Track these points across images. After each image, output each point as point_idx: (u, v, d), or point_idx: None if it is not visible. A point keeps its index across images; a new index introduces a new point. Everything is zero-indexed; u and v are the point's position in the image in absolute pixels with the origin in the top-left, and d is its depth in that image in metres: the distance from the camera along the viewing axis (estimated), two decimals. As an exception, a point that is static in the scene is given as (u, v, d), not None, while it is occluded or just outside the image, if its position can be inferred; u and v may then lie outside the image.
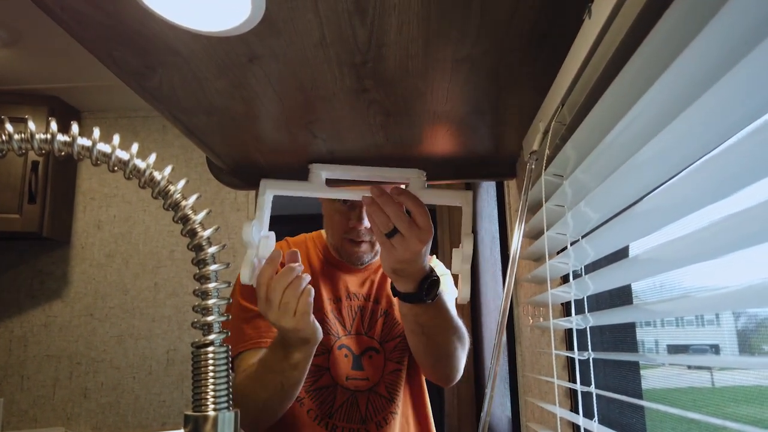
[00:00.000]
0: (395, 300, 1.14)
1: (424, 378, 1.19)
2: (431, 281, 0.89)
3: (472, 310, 2.14)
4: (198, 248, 0.48)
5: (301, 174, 0.97)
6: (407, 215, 0.82)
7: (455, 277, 0.89)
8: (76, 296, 2.41)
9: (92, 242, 2.46)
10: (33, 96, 2.28)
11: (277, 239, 1.28)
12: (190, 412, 0.46)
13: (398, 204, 0.82)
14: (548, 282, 0.72)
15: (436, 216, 2.42)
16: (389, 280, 1.18)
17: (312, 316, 0.86)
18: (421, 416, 1.17)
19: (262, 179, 0.82)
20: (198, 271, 0.48)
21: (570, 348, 0.84)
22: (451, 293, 1.16)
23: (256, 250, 0.79)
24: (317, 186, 0.85)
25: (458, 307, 1.16)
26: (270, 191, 0.83)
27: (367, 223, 1.07)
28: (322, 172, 0.84)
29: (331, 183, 0.91)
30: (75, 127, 0.44)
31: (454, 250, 0.81)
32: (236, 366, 1.03)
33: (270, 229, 0.86)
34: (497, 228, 1.87)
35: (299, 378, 0.93)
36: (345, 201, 1.08)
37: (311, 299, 0.83)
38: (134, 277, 2.42)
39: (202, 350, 0.47)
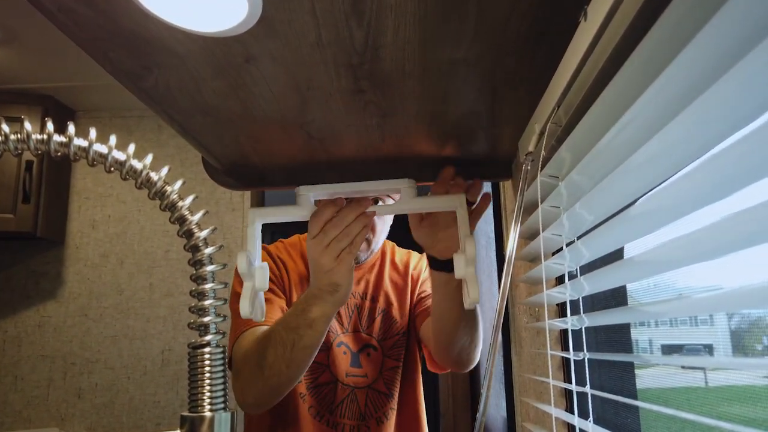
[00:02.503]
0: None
1: (419, 376, 1.20)
2: None
3: (468, 310, 2.14)
4: (195, 249, 0.48)
5: (297, 176, 0.97)
6: None
7: (459, 282, 0.88)
8: (71, 296, 2.40)
9: (87, 242, 2.45)
10: (27, 95, 2.27)
11: (273, 239, 1.28)
12: (186, 413, 0.46)
13: None
14: (544, 283, 0.72)
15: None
16: (386, 279, 1.19)
17: (352, 266, 0.85)
18: (416, 413, 1.17)
19: (251, 208, 0.81)
20: (194, 272, 0.48)
21: (565, 348, 0.84)
22: None
23: (253, 282, 0.77)
24: (307, 208, 0.84)
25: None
26: (259, 220, 0.81)
27: None
28: (310, 194, 0.83)
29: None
30: (71, 128, 0.44)
31: (455, 255, 0.80)
32: (238, 345, 1.00)
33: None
34: (493, 229, 1.87)
35: (312, 342, 0.89)
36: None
37: (362, 243, 0.83)
38: (129, 277, 2.41)
39: (199, 351, 0.47)
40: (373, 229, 1.11)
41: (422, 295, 1.19)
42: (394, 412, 1.14)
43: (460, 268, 0.78)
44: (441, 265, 0.87)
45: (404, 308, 1.18)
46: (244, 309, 0.76)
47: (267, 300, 1.05)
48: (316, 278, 0.85)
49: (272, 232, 3.49)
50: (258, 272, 0.77)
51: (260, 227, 0.81)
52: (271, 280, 1.10)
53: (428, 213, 0.87)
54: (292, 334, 0.88)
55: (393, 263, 1.22)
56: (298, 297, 1.12)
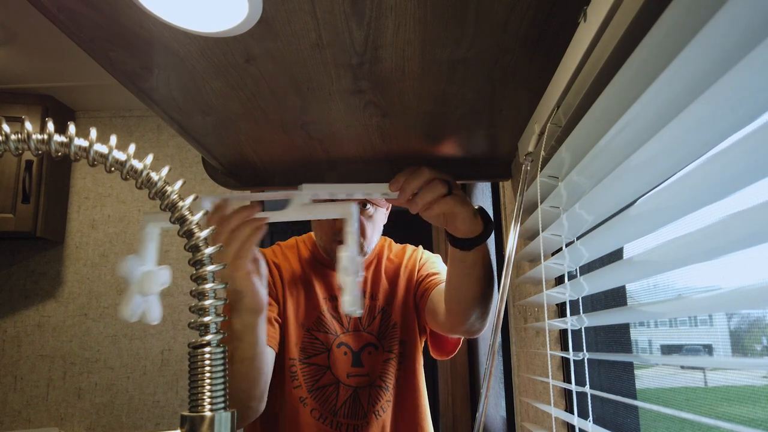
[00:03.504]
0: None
1: (418, 366, 1.19)
2: (480, 208, 0.88)
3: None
4: (195, 249, 0.48)
5: (297, 176, 0.97)
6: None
7: (474, 259, 0.87)
8: (70, 296, 2.40)
9: (86, 242, 2.45)
10: (27, 95, 2.27)
11: (277, 239, 1.28)
12: (186, 413, 0.46)
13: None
14: (543, 283, 0.72)
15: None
16: (383, 277, 1.19)
17: (254, 277, 0.82)
18: (414, 405, 1.17)
19: (145, 213, 0.79)
20: (194, 272, 0.48)
21: (565, 348, 0.84)
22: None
23: (137, 286, 0.73)
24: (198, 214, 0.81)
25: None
26: (152, 225, 0.77)
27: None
28: (207, 201, 0.81)
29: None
30: (72, 128, 0.44)
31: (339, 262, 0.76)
32: None
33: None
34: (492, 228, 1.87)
35: (247, 354, 0.87)
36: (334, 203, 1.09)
37: (253, 248, 0.80)
38: (129, 277, 2.41)
39: (199, 351, 0.47)
40: (363, 233, 1.11)
41: (421, 278, 1.19)
42: (391, 405, 1.14)
43: (340, 275, 0.77)
44: (455, 241, 0.87)
45: (398, 300, 1.18)
46: (123, 312, 0.72)
47: None
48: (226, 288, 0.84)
49: (272, 232, 3.48)
50: (146, 276, 0.74)
51: (156, 232, 0.77)
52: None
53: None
54: (229, 347, 0.86)
55: (389, 259, 1.23)
56: (292, 300, 1.12)
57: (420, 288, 1.18)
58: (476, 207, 0.87)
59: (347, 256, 0.74)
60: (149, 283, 0.73)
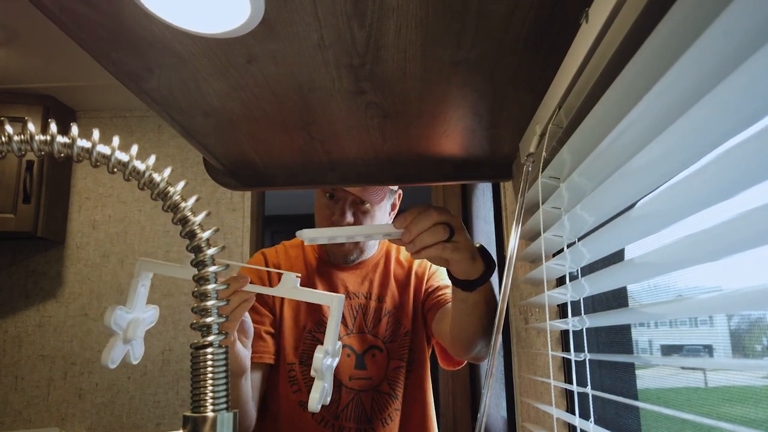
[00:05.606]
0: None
1: (427, 374, 1.19)
2: (482, 248, 0.86)
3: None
4: (197, 250, 0.48)
5: (298, 176, 0.97)
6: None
7: (476, 299, 0.85)
8: (71, 296, 2.40)
9: (87, 242, 2.45)
10: (28, 95, 2.27)
11: (277, 239, 1.28)
12: (188, 413, 0.46)
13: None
14: (545, 283, 0.72)
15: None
16: (392, 278, 1.18)
17: (237, 345, 0.84)
18: (423, 413, 1.16)
19: (140, 259, 0.78)
20: (197, 273, 0.48)
21: (566, 349, 0.84)
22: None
23: (123, 334, 0.72)
24: (191, 271, 0.80)
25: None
26: (145, 272, 0.76)
27: (350, 218, 1.07)
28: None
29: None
30: (75, 129, 0.44)
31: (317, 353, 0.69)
32: None
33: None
34: (493, 229, 1.87)
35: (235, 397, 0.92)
36: (331, 195, 1.08)
37: (239, 318, 0.81)
38: (129, 277, 2.41)
39: (201, 351, 0.47)
40: (358, 224, 1.11)
41: (430, 289, 1.17)
42: (399, 413, 1.13)
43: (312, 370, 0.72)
44: (456, 282, 0.86)
45: (408, 307, 1.16)
46: (104, 359, 0.70)
47: None
48: None
49: (272, 233, 3.48)
50: (131, 325, 0.72)
51: (148, 277, 0.77)
52: (259, 295, 1.09)
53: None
54: None
55: (398, 261, 1.21)
56: (292, 302, 1.11)
57: (428, 301, 1.16)
58: (477, 246, 0.85)
59: (320, 358, 0.66)
60: (134, 330, 0.72)
